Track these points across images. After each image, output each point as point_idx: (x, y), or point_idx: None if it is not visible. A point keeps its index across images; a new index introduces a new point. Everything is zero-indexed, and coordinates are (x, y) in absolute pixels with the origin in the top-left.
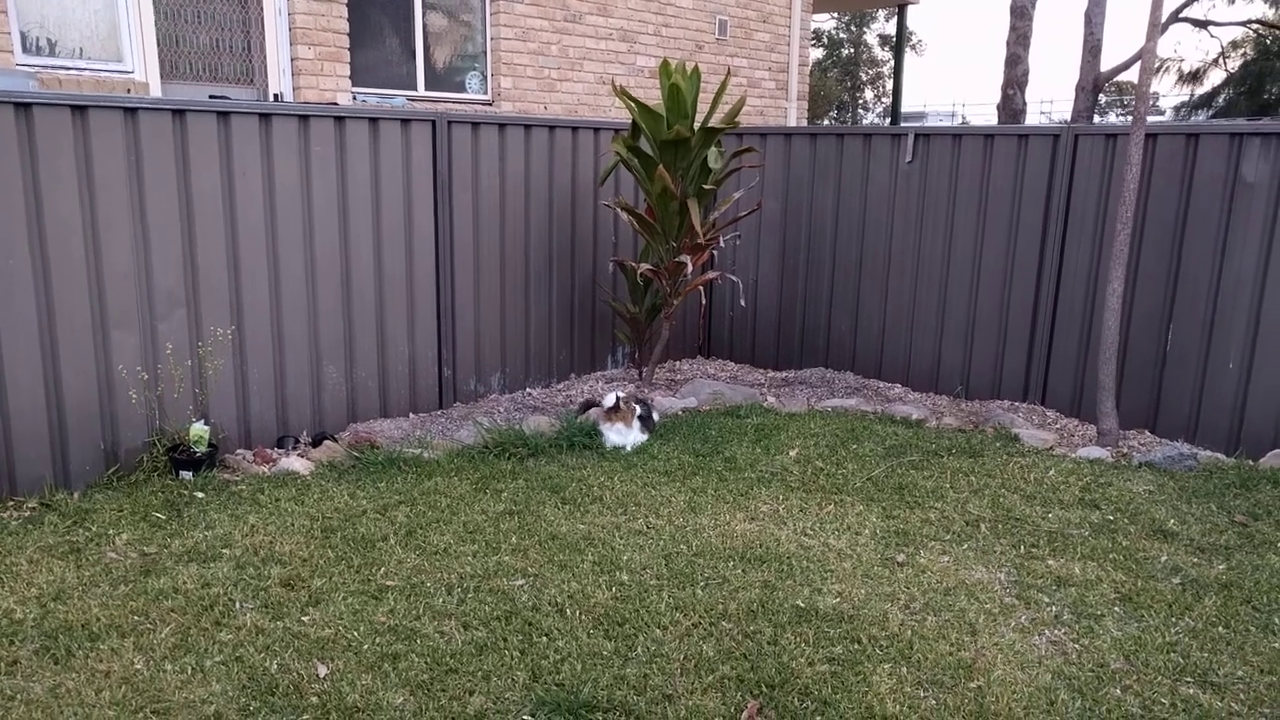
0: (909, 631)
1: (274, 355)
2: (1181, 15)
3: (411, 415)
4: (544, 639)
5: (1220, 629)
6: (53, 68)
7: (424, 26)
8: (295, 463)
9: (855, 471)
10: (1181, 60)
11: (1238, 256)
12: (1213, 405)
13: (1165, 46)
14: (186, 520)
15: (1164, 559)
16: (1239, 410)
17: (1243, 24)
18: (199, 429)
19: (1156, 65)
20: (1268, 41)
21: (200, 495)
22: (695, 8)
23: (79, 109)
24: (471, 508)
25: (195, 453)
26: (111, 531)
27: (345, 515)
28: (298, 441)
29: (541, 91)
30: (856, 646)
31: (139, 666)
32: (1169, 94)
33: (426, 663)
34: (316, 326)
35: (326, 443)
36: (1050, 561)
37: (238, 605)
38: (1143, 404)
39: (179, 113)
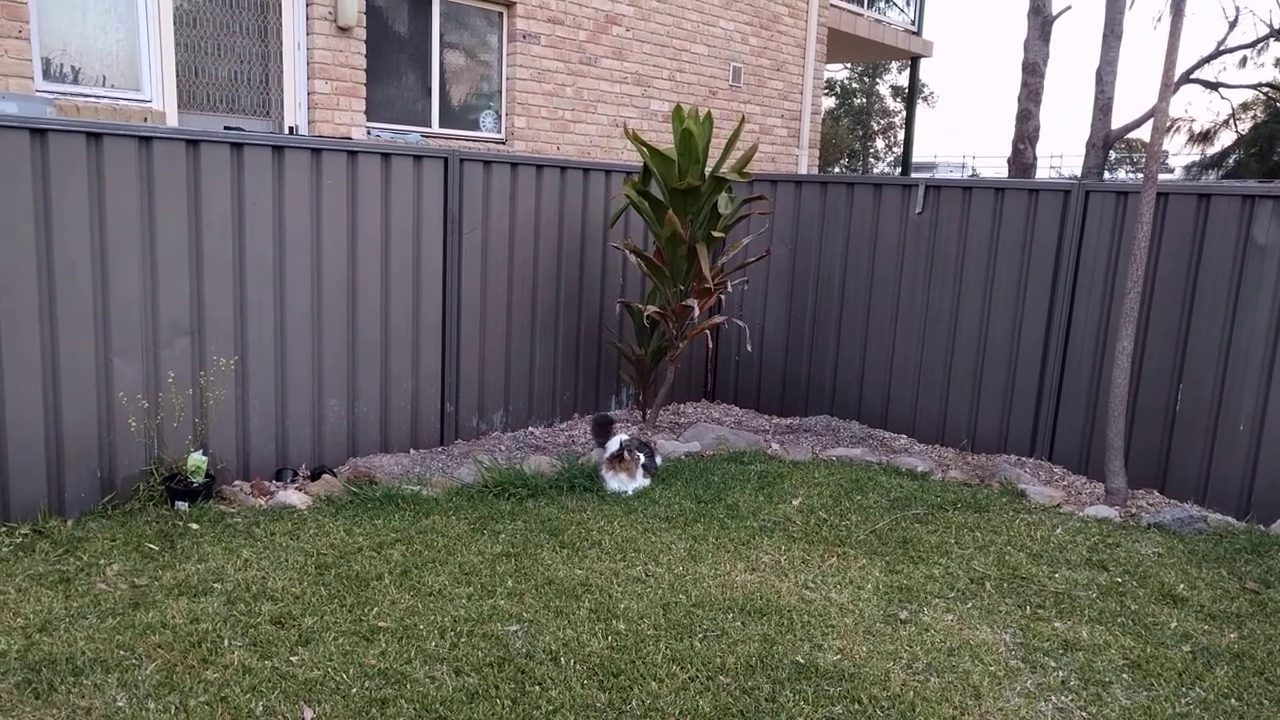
0: (911, 693)
1: (276, 386)
2: (1193, 76)
3: (412, 451)
4: (537, 688)
5: (1232, 701)
6: (71, 94)
7: (441, 64)
8: (292, 496)
9: (859, 523)
10: (1192, 120)
11: (1249, 318)
12: (1223, 468)
13: (1176, 106)
14: (179, 552)
15: (1174, 625)
16: (1249, 474)
17: (1253, 87)
18: (197, 459)
19: (1168, 125)
20: (1278, 105)
21: (195, 527)
22: (710, 55)
23: (94, 136)
24: (468, 548)
25: (192, 483)
26: (103, 561)
27: (340, 552)
28: (296, 474)
29: (555, 132)
30: (857, 706)
31: (121, 704)
32: (1179, 153)
33: (416, 709)
34: (320, 358)
35: (325, 476)
36: (1057, 624)
37: (226, 642)
38: (1151, 463)
39: (193, 143)
